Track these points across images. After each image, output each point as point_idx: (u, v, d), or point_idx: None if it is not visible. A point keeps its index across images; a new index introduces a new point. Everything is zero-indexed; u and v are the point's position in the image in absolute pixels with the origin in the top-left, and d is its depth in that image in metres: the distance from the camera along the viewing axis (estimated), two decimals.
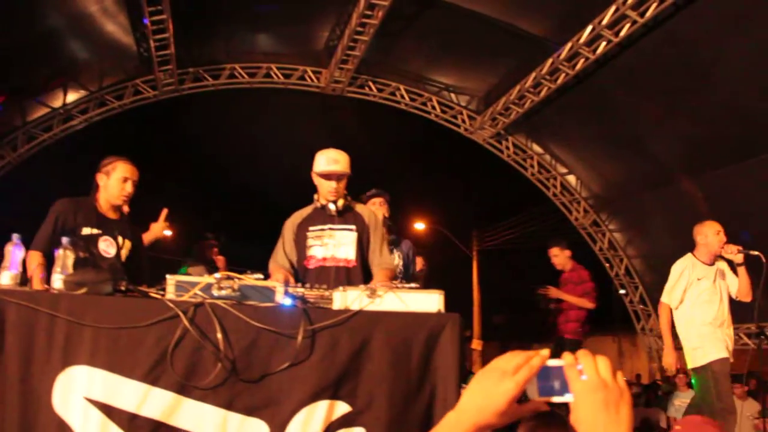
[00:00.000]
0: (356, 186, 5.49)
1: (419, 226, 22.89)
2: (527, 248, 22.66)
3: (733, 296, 5.35)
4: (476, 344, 20.06)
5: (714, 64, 9.13)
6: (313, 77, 12.65)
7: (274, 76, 12.57)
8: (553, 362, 1.17)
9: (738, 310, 5.47)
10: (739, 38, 8.56)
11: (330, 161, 3.86)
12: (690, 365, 5.30)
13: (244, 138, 17.29)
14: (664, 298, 5.46)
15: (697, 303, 5.26)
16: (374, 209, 5.37)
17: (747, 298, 5.28)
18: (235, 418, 2.74)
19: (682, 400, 9.60)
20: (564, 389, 1.15)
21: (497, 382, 1.14)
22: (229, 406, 2.74)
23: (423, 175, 21.60)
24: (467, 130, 13.42)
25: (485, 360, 25.74)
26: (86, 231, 3.89)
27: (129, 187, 4.08)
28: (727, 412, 5.00)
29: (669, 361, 5.44)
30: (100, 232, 3.95)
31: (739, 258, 5.15)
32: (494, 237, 22.89)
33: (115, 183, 4.04)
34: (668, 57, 9.49)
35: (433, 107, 13.21)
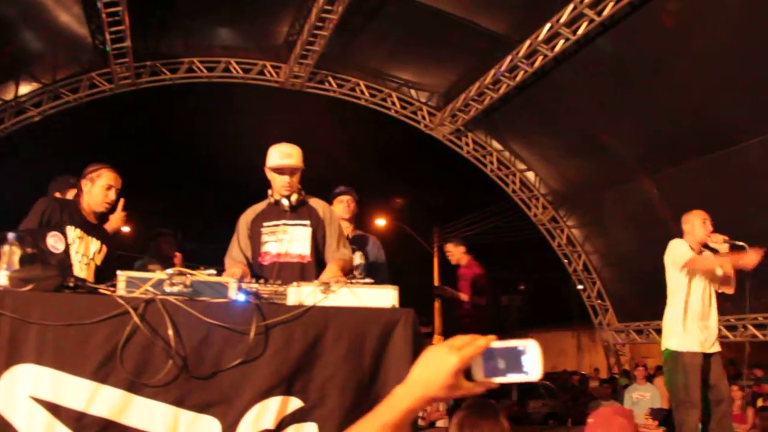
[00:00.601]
0: (320, 184, 5.47)
1: (380, 222, 22.92)
2: (488, 244, 22.86)
3: (717, 289, 5.30)
4: (437, 340, 20.07)
5: (670, 63, 9.31)
6: (272, 72, 12.57)
7: (233, 71, 12.45)
8: (498, 344, 1.23)
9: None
10: (695, 36, 8.74)
11: (283, 155, 3.81)
12: (664, 345, 5.22)
13: (207, 132, 17.12)
14: (683, 262, 5.10)
15: (686, 290, 5.16)
16: (341, 207, 5.35)
17: (730, 290, 5.26)
18: (186, 416, 2.71)
19: (640, 393, 9.77)
20: (508, 370, 1.22)
21: (443, 356, 1.20)
22: (180, 403, 2.71)
23: (384, 171, 21.61)
24: (427, 127, 13.47)
25: None
26: (69, 230, 3.91)
27: (112, 195, 4.12)
28: (691, 405, 4.97)
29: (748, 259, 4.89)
30: (82, 233, 3.98)
31: (724, 248, 5.13)
32: (455, 233, 22.99)
33: (99, 190, 4.07)
34: (625, 55, 9.65)
35: (393, 103, 13.23)
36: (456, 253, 7.71)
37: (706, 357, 5.10)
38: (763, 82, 8.43)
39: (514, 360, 1.23)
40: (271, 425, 2.76)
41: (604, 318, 14.47)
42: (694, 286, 5.14)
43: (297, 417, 2.81)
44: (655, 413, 9.28)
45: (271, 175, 3.87)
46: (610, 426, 2.29)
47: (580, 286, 14.83)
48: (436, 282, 22.83)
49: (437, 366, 1.20)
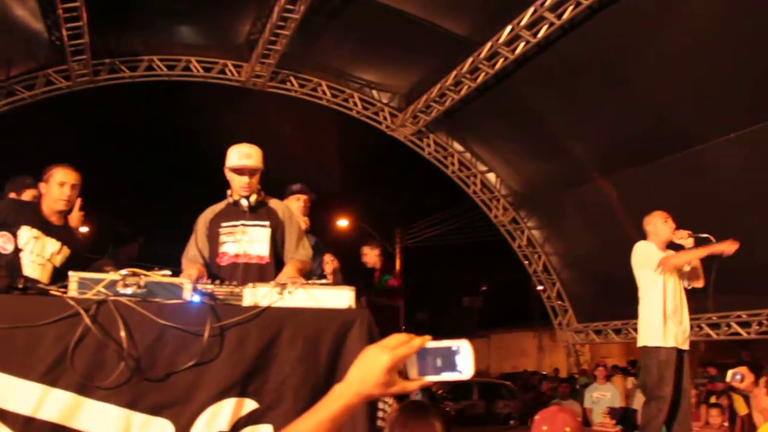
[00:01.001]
0: (283, 186, 5.44)
1: (342, 223, 22.89)
2: (449, 246, 23.02)
3: (686, 285, 5.35)
4: None
5: (628, 66, 9.46)
6: (233, 71, 12.46)
7: (194, 69, 12.31)
8: (433, 344, 1.29)
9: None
10: (652, 41, 8.90)
11: (242, 156, 3.77)
12: (642, 343, 5.24)
13: (167, 129, 16.97)
14: (652, 266, 5.18)
15: (661, 287, 5.20)
16: (297, 205, 5.32)
17: (699, 283, 5.32)
18: (138, 418, 2.68)
19: (600, 392, 9.91)
20: (442, 369, 1.28)
21: (377, 355, 1.25)
22: (132, 405, 2.67)
23: (347, 172, 21.59)
24: (389, 128, 13.49)
25: None
26: (25, 230, 3.88)
27: (67, 191, 4.05)
28: (662, 401, 5.02)
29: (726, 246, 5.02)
30: (39, 233, 3.93)
31: (689, 242, 5.17)
32: (417, 234, 23.09)
33: (53, 188, 4.03)
34: (584, 58, 9.79)
35: (355, 104, 13.22)
36: (371, 255, 7.59)
37: (680, 354, 5.18)
38: (720, 85, 8.62)
39: (448, 359, 1.28)
40: (225, 427, 2.74)
41: (564, 318, 14.63)
42: (668, 284, 5.20)
43: (252, 419, 2.80)
44: (613, 412, 9.43)
45: (230, 176, 3.83)
46: (554, 423, 2.37)
47: (540, 287, 14.97)
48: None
49: (371, 364, 1.24)
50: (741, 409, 8.09)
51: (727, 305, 10.55)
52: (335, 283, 3.15)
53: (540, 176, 13.14)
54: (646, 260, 5.24)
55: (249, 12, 11.10)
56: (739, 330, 10.61)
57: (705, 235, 5.15)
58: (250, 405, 2.80)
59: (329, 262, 6.22)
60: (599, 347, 17.62)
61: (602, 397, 9.82)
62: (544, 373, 21.27)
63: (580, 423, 2.36)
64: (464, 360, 1.27)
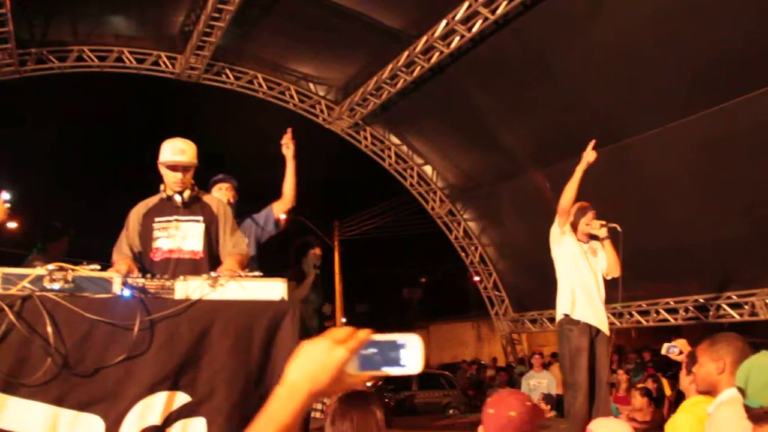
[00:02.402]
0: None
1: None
2: (387, 238, 23.15)
3: (604, 274, 5.44)
4: None
5: (560, 61, 9.67)
6: (167, 63, 12.20)
7: (126, 61, 11.98)
8: (378, 337, 1.25)
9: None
10: (581, 38, 9.11)
11: (176, 151, 3.72)
12: (557, 318, 5.35)
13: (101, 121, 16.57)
14: (556, 237, 5.42)
15: (571, 263, 5.32)
16: (220, 194, 5.27)
17: (615, 272, 5.40)
18: (67, 415, 2.64)
19: (537, 380, 10.14)
20: (385, 363, 1.23)
21: (329, 350, 1.19)
22: (60, 402, 2.64)
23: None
24: (325, 120, 13.47)
25: None
26: None
27: None
28: (576, 388, 5.09)
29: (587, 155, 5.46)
30: None
31: (603, 232, 5.29)
32: (355, 227, 23.15)
33: None
34: (517, 53, 9.96)
35: (291, 96, 13.14)
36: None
37: (593, 339, 5.27)
38: (650, 78, 8.87)
39: (392, 353, 1.24)
40: (157, 421, 2.72)
41: (501, 308, 14.87)
42: (578, 261, 5.33)
43: (184, 412, 2.79)
44: (546, 398, 9.68)
45: (163, 171, 3.78)
46: (499, 406, 2.38)
47: (476, 278, 15.17)
48: (337, 275, 22.95)
49: (324, 360, 1.19)
50: (668, 390, 8.39)
51: (656, 292, 10.94)
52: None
53: (475, 168, 13.32)
54: (552, 237, 5.43)
55: (183, 2, 10.88)
56: (667, 316, 10.99)
57: (614, 225, 5.30)
58: (182, 398, 2.79)
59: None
60: (537, 336, 17.96)
61: (539, 384, 10.05)
62: (483, 362, 21.61)
63: (529, 407, 2.36)
64: (410, 355, 1.24)
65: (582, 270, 5.33)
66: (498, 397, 2.42)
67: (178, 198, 3.75)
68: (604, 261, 5.45)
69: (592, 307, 5.27)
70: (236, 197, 5.42)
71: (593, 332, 5.27)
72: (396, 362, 1.24)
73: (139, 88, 13.52)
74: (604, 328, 5.33)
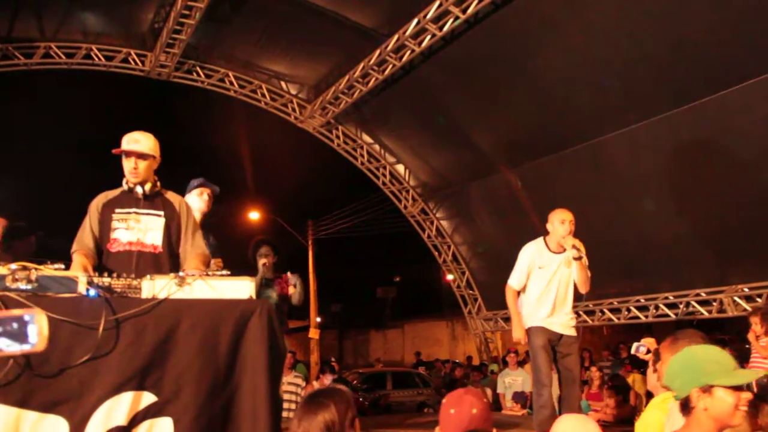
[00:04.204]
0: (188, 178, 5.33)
1: (254, 215, 22.67)
2: (361, 237, 23.13)
3: (575, 280, 5.47)
4: (313, 333, 20.17)
5: (530, 61, 9.73)
6: (137, 60, 12.07)
7: (95, 58, 11.83)
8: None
9: None
10: (553, 37, 9.17)
11: (130, 141, 3.74)
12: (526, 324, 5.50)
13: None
14: (510, 280, 5.63)
15: (537, 291, 5.43)
16: (200, 200, 5.22)
17: (583, 290, 5.46)
18: (29, 417, 2.60)
19: (512, 378, 10.20)
20: (7, 340, 1.16)
21: None
22: (22, 404, 2.59)
23: (258, 164, 21.36)
24: (297, 119, 13.43)
25: (324, 348, 25.95)
26: None
27: None
28: (540, 384, 5.20)
29: (517, 335, 5.52)
30: None
31: (573, 253, 5.27)
32: (329, 226, 23.10)
33: None
34: (489, 52, 9.99)
35: (263, 95, 13.08)
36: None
37: (559, 340, 5.38)
38: (615, 80, 8.97)
39: (17, 330, 1.17)
40: (123, 422, 2.69)
41: (474, 307, 14.93)
42: (544, 273, 5.45)
43: (151, 412, 2.76)
44: (516, 397, 9.76)
45: (123, 162, 3.78)
46: (461, 405, 2.43)
47: (450, 277, 15.21)
48: (311, 274, 22.87)
49: None
50: (639, 388, 8.50)
51: (627, 290, 11.06)
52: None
53: (448, 167, 13.35)
54: (514, 270, 5.61)
55: None
56: (638, 314, 11.10)
57: (581, 255, 5.29)
58: (148, 398, 2.76)
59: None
60: (511, 334, 18.02)
61: (514, 382, 10.12)
62: (457, 361, 21.68)
63: (487, 404, 2.44)
64: (35, 330, 1.16)
65: (545, 281, 5.44)
66: (456, 396, 2.46)
67: (139, 190, 3.74)
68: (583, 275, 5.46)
69: (555, 316, 5.40)
70: (211, 207, 5.38)
71: (557, 335, 5.40)
72: (23, 339, 1.17)
73: (114, 84, 13.31)
74: (569, 332, 5.45)
